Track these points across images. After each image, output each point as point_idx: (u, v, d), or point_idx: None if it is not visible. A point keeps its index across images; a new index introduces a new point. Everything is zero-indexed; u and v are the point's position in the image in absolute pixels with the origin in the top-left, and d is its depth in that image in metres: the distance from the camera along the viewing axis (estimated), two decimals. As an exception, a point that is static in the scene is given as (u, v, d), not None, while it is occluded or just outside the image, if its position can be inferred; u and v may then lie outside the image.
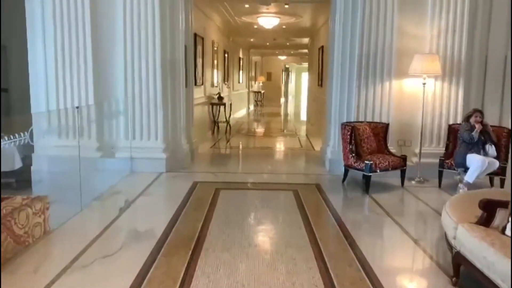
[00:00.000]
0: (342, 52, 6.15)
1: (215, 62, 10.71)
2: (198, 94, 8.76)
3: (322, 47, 10.21)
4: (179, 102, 6.31)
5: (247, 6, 9.03)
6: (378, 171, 5.20)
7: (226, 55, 12.92)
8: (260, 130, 12.13)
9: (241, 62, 16.96)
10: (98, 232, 3.72)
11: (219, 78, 11.24)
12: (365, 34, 5.86)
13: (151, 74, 5.91)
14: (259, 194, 5.19)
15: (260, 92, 22.74)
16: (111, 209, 4.39)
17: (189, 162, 6.65)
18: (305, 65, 28.11)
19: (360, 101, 5.99)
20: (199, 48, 8.49)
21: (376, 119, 5.98)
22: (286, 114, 18.57)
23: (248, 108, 19.69)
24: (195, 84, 8.28)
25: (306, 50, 19.80)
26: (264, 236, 3.88)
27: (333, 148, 6.33)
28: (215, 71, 10.73)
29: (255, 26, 12.35)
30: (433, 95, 5.94)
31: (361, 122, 5.81)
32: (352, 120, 5.97)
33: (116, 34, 5.86)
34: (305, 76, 32.01)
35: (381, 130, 5.76)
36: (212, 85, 10.40)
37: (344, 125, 5.46)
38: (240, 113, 16.82)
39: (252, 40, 16.50)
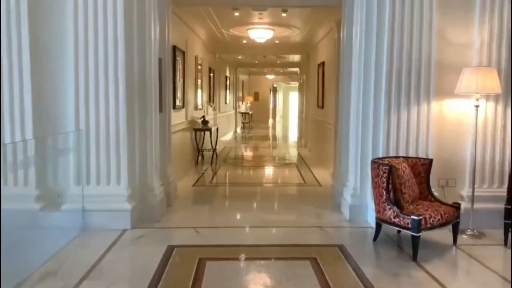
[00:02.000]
0: (364, 68, 4.71)
1: (199, 81, 9.23)
2: (178, 119, 7.23)
3: (323, 63, 8.84)
4: (151, 132, 4.76)
5: (237, 14, 7.60)
6: (428, 228, 3.71)
7: (211, 73, 11.47)
8: (251, 158, 10.58)
9: (228, 81, 15.54)
10: None
11: (203, 99, 9.74)
12: (395, 44, 4.44)
13: (111, 97, 4.38)
14: (262, 267, 3.62)
15: (248, 113, 21.33)
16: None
17: (164, 211, 5.06)
18: (294, 84, 27.04)
19: (390, 130, 4.54)
20: (179, 63, 7.01)
21: (411, 153, 4.53)
22: (276, 137, 17.11)
23: (236, 131, 18.21)
24: (174, 108, 6.76)
25: (296, 69, 18.58)
26: None
27: (354, 190, 4.83)
28: (199, 91, 9.25)
29: (245, 41, 10.97)
30: (485, 120, 4.53)
31: (396, 157, 4.34)
32: (381, 156, 4.51)
33: (66, 50, 4.35)
34: (293, 96, 30.91)
35: (422, 169, 4.29)
36: (196, 107, 8.89)
37: (377, 164, 3.96)
38: (227, 136, 15.31)
39: (240, 57, 15.14)
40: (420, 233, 3.64)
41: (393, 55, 4.47)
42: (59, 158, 4.45)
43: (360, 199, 4.81)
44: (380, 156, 4.54)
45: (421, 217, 3.63)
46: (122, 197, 4.45)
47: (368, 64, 4.68)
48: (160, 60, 5.17)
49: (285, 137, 17.11)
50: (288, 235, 4.42)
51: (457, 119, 4.63)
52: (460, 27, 4.53)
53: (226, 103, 15.27)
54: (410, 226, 3.66)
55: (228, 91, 15.64)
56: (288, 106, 32.59)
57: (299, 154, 10.97)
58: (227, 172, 8.40)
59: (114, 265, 3.59)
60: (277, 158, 10.41)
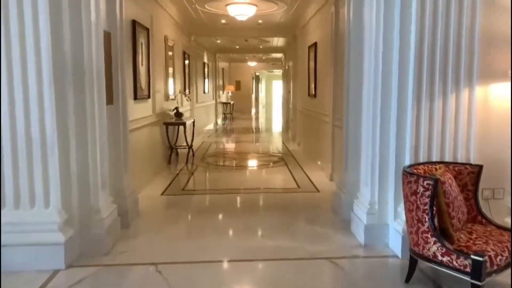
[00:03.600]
0: (383, 46, 3.49)
1: (171, 67, 7.88)
2: (143, 111, 5.91)
3: (315, 44, 7.60)
4: (93, 133, 3.44)
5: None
6: (494, 272, 2.54)
7: (187, 60, 10.10)
8: (233, 155, 9.28)
9: (206, 68, 14.15)
10: None
11: (176, 88, 8.39)
12: (427, 11, 3.25)
13: (32, 89, 3.08)
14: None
15: (229, 103, 19.97)
16: None
17: (118, 237, 3.78)
18: (277, 72, 25.75)
19: (420, 126, 3.35)
20: (141, 43, 5.67)
21: (448, 156, 3.38)
22: (260, 129, 15.86)
23: (216, 122, 16.88)
24: (135, 98, 5.43)
25: (280, 55, 17.31)
26: None
27: (371, 206, 3.64)
28: (171, 78, 7.90)
29: (223, 21, 9.62)
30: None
31: (432, 163, 3.16)
32: (408, 162, 3.33)
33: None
34: (276, 84, 29.65)
35: (469, 179, 3.13)
36: (167, 97, 7.55)
37: (414, 177, 2.75)
38: (207, 129, 13.98)
39: (219, 41, 13.75)
40: (485, 281, 2.48)
41: (424, 26, 3.27)
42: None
43: (378, 218, 3.63)
44: (407, 162, 3.37)
45: (485, 257, 2.46)
46: (52, 225, 3.17)
47: (389, 40, 3.47)
48: (107, 35, 3.85)
49: (270, 129, 15.89)
50: (283, 275, 3.19)
51: (506, 109, 3.47)
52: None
53: (204, 92, 13.91)
54: (468, 269, 2.49)
55: (207, 79, 14.26)
56: (272, 96, 31.37)
57: (287, 149, 9.76)
58: (205, 174, 7.13)
59: None
60: (263, 155, 9.17)
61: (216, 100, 17.28)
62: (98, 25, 3.47)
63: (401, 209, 3.42)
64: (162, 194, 5.49)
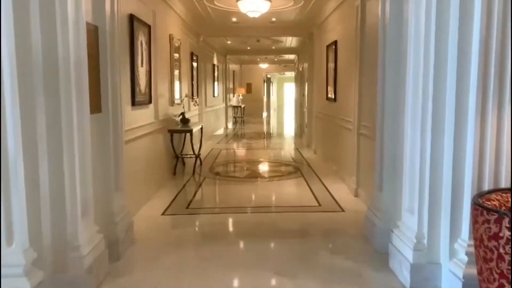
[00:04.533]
0: (436, 49, 2.75)
1: (176, 69, 7.21)
2: (144, 118, 5.24)
3: (335, 43, 6.87)
4: (72, 148, 2.76)
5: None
6: None
7: (195, 61, 9.43)
8: (245, 164, 8.55)
9: (216, 71, 13.48)
10: None
11: (182, 92, 7.72)
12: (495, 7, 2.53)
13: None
14: None
15: (240, 106, 19.29)
16: None
17: (105, 275, 3.09)
18: (289, 74, 25.01)
19: (485, 144, 2.61)
20: (141, 41, 5.00)
21: (520, 179, 2.62)
22: (273, 134, 15.14)
23: (226, 127, 16.21)
24: (134, 104, 4.76)
25: (293, 56, 16.61)
26: None
27: (418, 241, 2.90)
28: (177, 81, 7.23)
29: (234, 19, 8.95)
30: None
31: (506, 190, 2.41)
32: (468, 187, 2.59)
33: None
34: (288, 87, 28.90)
35: (557, 214, 2.37)
36: (172, 102, 6.88)
37: (497, 216, 1.99)
38: (216, 134, 13.31)
39: (229, 42, 13.09)
40: None
41: (492, 11, 2.53)
42: None
43: (428, 255, 2.89)
44: (467, 185, 2.63)
45: None
46: (16, 268, 2.48)
47: (442, 39, 2.74)
48: (93, 29, 3.18)
49: (282, 134, 15.16)
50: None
51: None
52: None
53: (214, 95, 13.24)
54: None
55: (216, 82, 13.59)
56: (283, 99, 30.64)
57: (302, 156, 9.03)
58: (213, 188, 6.43)
59: None
60: (276, 164, 8.44)
61: (226, 104, 16.63)
62: (78, 14, 2.80)
63: (460, 246, 2.68)
64: (163, 213, 4.80)
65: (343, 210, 4.84)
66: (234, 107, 18.92)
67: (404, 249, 3.01)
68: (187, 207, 5.14)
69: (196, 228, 4.45)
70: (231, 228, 4.36)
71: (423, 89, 2.86)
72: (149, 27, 5.34)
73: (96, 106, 3.26)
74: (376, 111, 3.81)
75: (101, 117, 3.35)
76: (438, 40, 2.75)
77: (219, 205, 5.46)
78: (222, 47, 14.09)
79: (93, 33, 3.19)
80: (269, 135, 14.61)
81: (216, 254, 3.63)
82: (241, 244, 3.95)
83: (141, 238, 3.91)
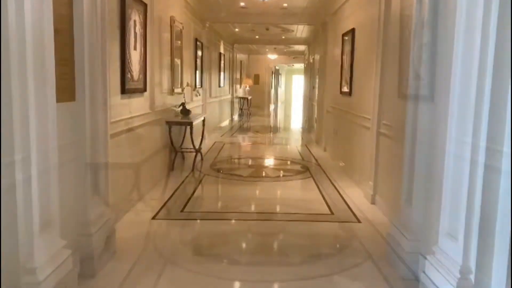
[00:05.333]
0: (497, 43, 2.13)
1: (177, 55, 6.60)
2: (135, 108, 4.65)
3: (352, 31, 6.21)
4: (27, 145, 2.18)
5: None
6: None
7: (199, 48, 8.81)
8: (249, 161, 7.91)
9: (222, 59, 12.84)
10: None
11: (184, 81, 7.11)
12: None
13: None
14: None
15: (246, 98, 18.65)
16: None
17: (72, 302, 2.53)
18: (298, 66, 24.29)
19: None
20: (134, 21, 4.39)
21: None
22: (280, 128, 14.52)
23: (232, 119, 15.62)
24: (123, 92, 4.17)
25: (303, 47, 15.92)
26: None
27: (465, 277, 2.29)
28: (178, 68, 6.62)
29: (242, 4, 8.31)
30: None
31: None
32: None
33: None
34: (297, 79, 28.19)
35: None
36: (171, 91, 6.29)
37: None
38: (221, 125, 12.71)
39: (237, 30, 12.44)
40: None
41: None
42: None
43: (475, 295, 2.28)
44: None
45: None
46: None
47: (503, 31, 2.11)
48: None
49: (290, 129, 14.53)
50: None
51: None
52: None
53: (220, 86, 12.63)
54: None
55: (222, 72, 12.96)
56: (291, 91, 29.96)
57: (311, 154, 8.41)
58: (212, 188, 5.83)
59: None
60: (283, 162, 7.83)
61: (232, 95, 16.01)
62: (41, -24, 2.20)
63: (520, 288, 2.07)
64: (154, 217, 4.22)
65: (359, 221, 4.23)
66: (240, 98, 18.30)
67: (443, 283, 2.41)
68: (182, 210, 4.55)
69: (189, 238, 3.85)
70: (229, 241, 3.77)
71: (477, 91, 2.22)
72: (145, 5, 4.73)
73: (68, 93, 2.67)
74: (407, 107, 3.18)
75: (73, 107, 2.76)
76: (500, 31, 2.12)
77: (217, 209, 4.85)
78: (229, 35, 13.44)
79: (65, 4, 2.59)
80: (276, 129, 13.99)
81: (209, 277, 3.04)
82: (241, 264, 3.34)
83: (124, 249, 3.34)
